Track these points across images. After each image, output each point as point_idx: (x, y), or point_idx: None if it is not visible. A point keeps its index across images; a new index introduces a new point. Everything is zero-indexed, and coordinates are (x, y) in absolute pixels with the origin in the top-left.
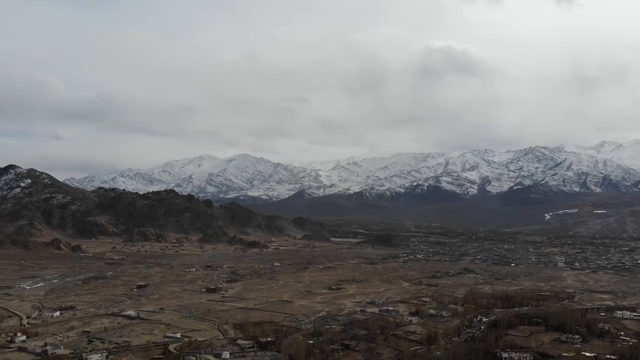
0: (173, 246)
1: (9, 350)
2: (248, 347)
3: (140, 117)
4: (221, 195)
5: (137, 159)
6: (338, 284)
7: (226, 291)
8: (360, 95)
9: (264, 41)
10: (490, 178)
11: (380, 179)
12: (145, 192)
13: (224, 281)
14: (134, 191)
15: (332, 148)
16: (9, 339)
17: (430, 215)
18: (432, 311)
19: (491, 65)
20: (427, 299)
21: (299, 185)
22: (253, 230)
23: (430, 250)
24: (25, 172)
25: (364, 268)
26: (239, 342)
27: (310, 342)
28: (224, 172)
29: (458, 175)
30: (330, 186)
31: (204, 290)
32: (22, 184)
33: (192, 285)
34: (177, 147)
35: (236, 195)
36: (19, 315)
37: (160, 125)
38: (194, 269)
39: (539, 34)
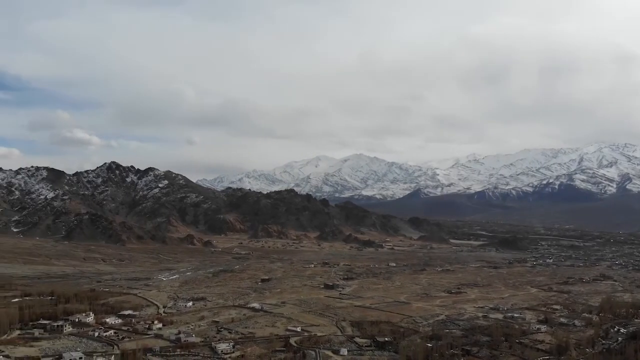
0: (293, 243)
1: (147, 336)
2: (366, 346)
3: (263, 121)
4: (336, 195)
5: (261, 160)
6: (458, 288)
7: (343, 288)
8: (481, 89)
9: (379, 40)
10: (631, 175)
11: (505, 177)
12: (268, 191)
13: (340, 278)
14: (258, 191)
15: (450, 145)
16: (147, 326)
17: (562, 217)
18: (563, 319)
19: (628, 52)
20: (557, 307)
21: (415, 184)
22: (368, 229)
23: (562, 254)
24: (162, 174)
25: (487, 272)
26: (357, 340)
27: (429, 345)
28: (339, 172)
29: (594, 173)
30: (449, 185)
31: (322, 286)
32: (160, 185)
33: (311, 280)
34: (296, 148)
35: (351, 194)
36: (156, 305)
37: (281, 128)
38: (312, 265)
39: None
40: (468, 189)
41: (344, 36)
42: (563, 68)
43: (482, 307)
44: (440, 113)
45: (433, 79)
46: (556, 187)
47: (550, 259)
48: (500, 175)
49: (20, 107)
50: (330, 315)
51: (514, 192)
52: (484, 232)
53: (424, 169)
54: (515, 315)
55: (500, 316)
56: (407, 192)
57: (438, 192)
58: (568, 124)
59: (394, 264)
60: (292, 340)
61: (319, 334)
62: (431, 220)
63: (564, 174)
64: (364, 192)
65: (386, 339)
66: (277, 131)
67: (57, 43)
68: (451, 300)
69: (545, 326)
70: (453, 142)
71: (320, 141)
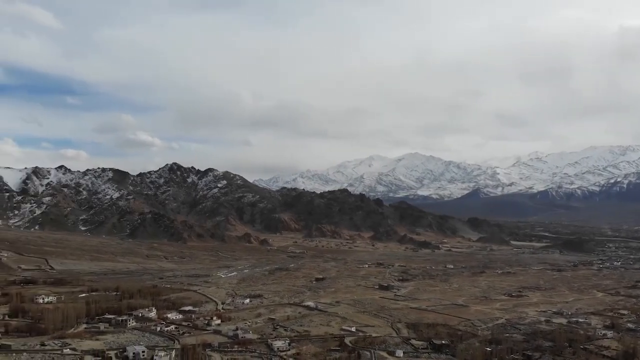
0: (347, 242)
1: (206, 332)
2: (422, 348)
3: (317, 122)
4: (390, 195)
5: (314, 161)
6: (519, 291)
7: (398, 290)
8: (543, 85)
9: (434, 37)
10: None
11: (569, 176)
12: (322, 191)
13: (395, 280)
14: (312, 190)
15: (511, 143)
16: (206, 321)
17: (630, 217)
18: (630, 325)
19: None
20: (624, 312)
21: (473, 183)
22: (423, 230)
23: (631, 257)
24: (221, 174)
25: (550, 275)
26: (413, 342)
27: (488, 349)
28: (393, 171)
29: None
30: (510, 184)
31: (377, 287)
32: (219, 185)
33: (365, 281)
34: (350, 148)
35: (405, 194)
36: (215, 301)
37: (335, 129)
38: (366, 266)
39: None
40: (530, 188)
41: (398, 34)
42: (630, 61)
43: (544, 312)
44: (501, 110)
45: (493, 75)
46: (624, 186)
47: (617, 261)
48: (565, 174)
49: (87, 111)
50: (385, 316)
51: (579, 191)
52: (547, 234)
53: (483, 168)
54: (580, 320)
55: (564, 321)
56: (466, 191)
57: (498, 191)
58: (636, 119)
59: (452, 266)
60: (347, 340)
61: (374, 335)
62: (491, 221)
63: (633, 172)
64: (420, 192)
65: (443, 341)
66: (330, 131)
67: (121, 49)
68: (512, 304)
69: (612, 332)
70: (514, 139)
71: (373, 140)
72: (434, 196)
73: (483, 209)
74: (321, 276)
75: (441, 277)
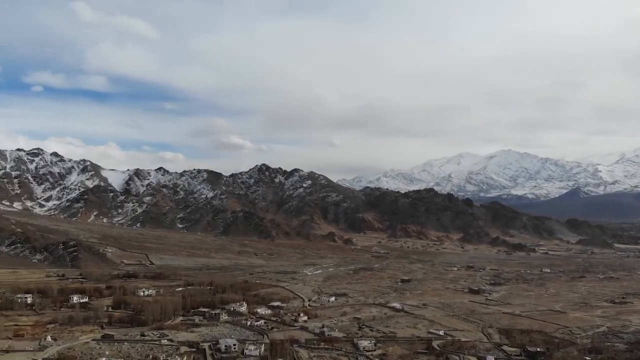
0: (434, 244)
1: (294, 328)
2: (515, 355)
3: (401, 120)
4: (481, 194)
5: (399, 159)
6: (623, 297)
7: (490, 294)
8: None
9: (528, 25)
10: None
11: None
12: (406, 191)
13: (487, 283)
14: (396, 190)
15: (615, 138)
16: (293, 318)
17: None
18: None
19: None
20: None
21: (573, 182)
22: (517, 231)
23: None
24: (306, 174)
25: None
26: (505, 348)
27: (587, 358)
28: (484, 169)
29: None
30: (613, 183)
31: (467, 290)
32: (304, 185)
33: (454, 284)
34: (436, 146)
35: (498, 194)
36: (302, 298)
37: (420, 127)
38: (455, 268)
39: None
40: (636, 187)
41: (489, 24)
42: None
43: None
44: (603, 102)
45: (594, 66)
46: None
47: None
48: None
49: (183, 116)
50: (475, 320)
51: None
52: None
53: (583, 165)
54: None
55: None
56: (564, 191)
57: (600, 190)
58: None
59: (548, 270)
60: (434, 343)
61: (463, 339)
62: (592, 222)
63: None
64: (514, 192)
65: (538, 349)
66: (416, 129)
67: (213, 56)
68: (614, 311)
69: None
70: (618, 134)
71: (462, 137)
72: (529, 196)
73: (583, 210)
74: (407, 277)
75: (537, 281)
